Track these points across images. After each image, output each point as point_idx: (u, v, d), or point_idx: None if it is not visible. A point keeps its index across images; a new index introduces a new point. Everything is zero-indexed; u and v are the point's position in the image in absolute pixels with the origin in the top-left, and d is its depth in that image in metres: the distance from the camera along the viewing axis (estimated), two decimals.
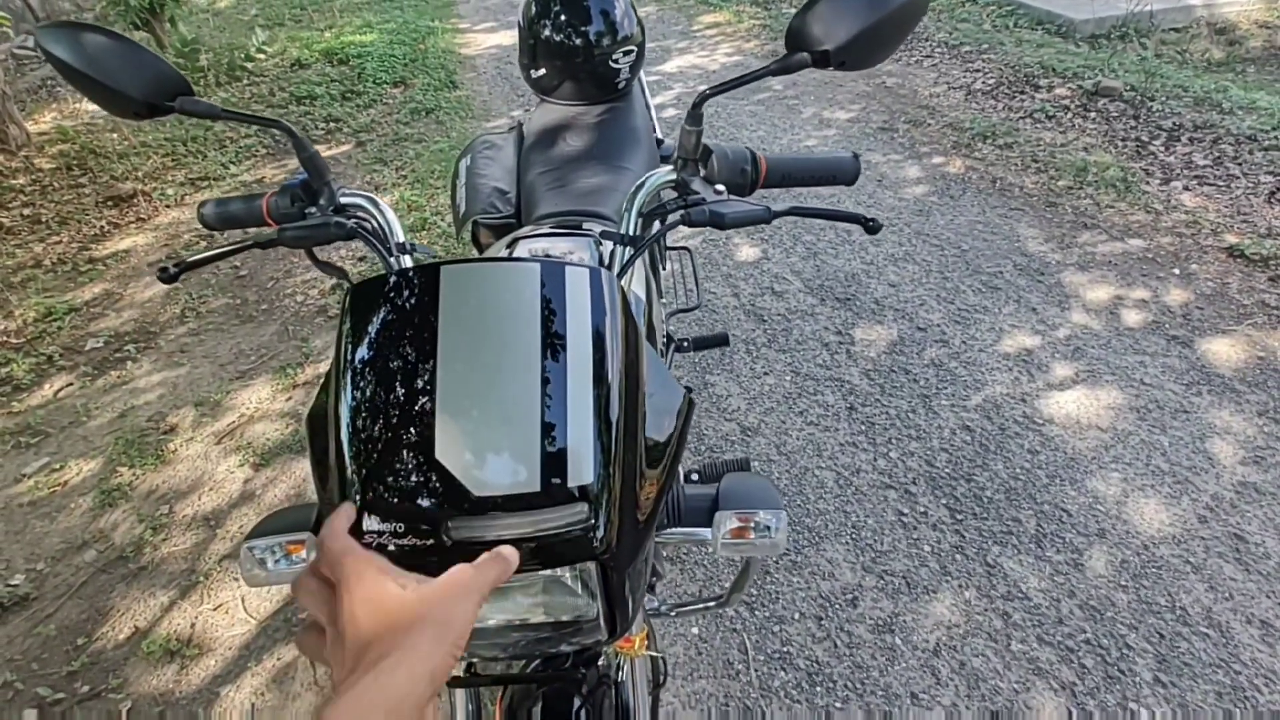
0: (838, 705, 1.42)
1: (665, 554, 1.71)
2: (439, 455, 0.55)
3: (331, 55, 5.40)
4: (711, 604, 1.13)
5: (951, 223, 2.95)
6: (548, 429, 0.56)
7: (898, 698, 1.42)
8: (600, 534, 0.57)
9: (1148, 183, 3.07)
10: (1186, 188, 3.02)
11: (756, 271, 2.76)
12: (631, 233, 0.83)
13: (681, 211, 0.77)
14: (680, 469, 1.14)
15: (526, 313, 0.60)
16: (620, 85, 1.58)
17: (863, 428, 2.05)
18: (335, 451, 0.59)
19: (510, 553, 0.47)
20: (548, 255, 1.01)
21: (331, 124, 4.42)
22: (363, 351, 0.60)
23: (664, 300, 2.06)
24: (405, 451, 0.56)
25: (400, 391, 0.58)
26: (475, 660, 0.76)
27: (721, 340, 1.84)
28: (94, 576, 1.83)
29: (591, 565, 0.58)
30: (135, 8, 5.06)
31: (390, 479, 0.56)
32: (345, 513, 0.50)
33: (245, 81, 5.10)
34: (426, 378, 0.57)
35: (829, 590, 1.64)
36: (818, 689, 1.45)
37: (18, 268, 3.20)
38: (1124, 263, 2.62)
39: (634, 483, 0.61)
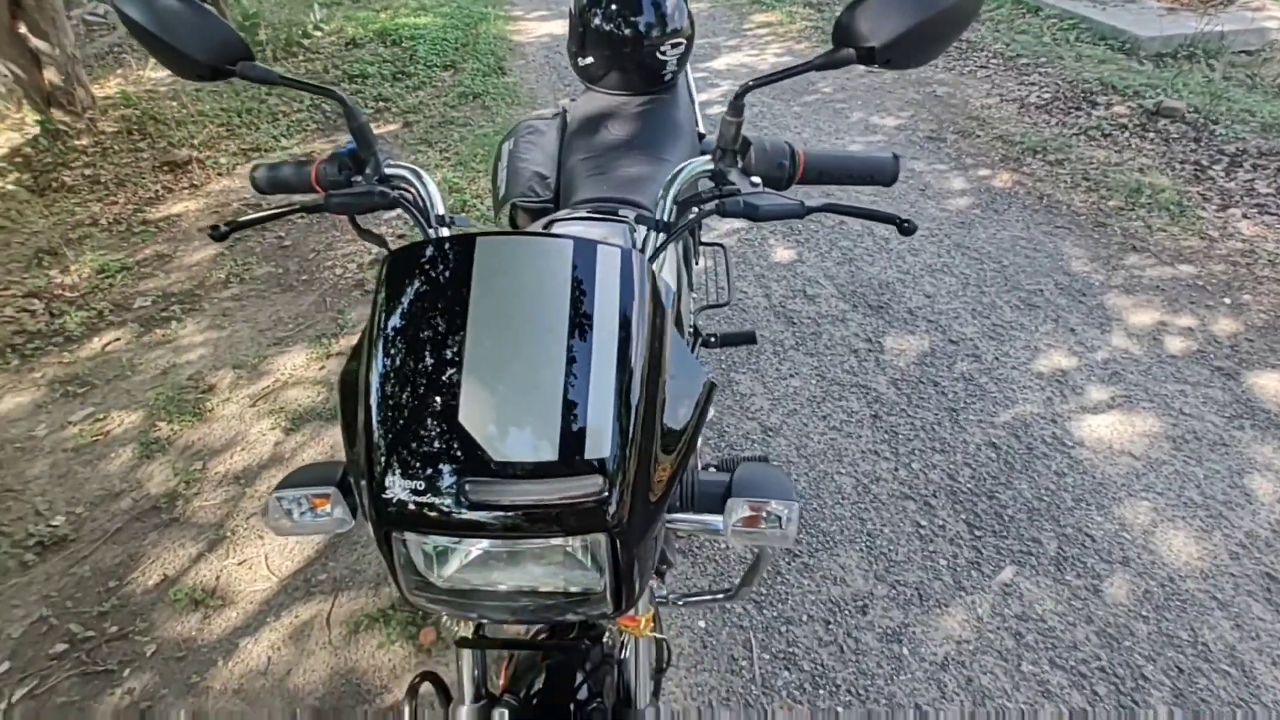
0: (839, 708, 1.42)
1: (678, 545, 1.72)
2: (462, 420, 0.57)
3: (385, 36, 5.50)
4: (720, 596, 1.14)
5: (994, 237, 2.90)
6: (569, 403, 0.58)
7: (901, 708, 1.41)
8: (613, 508, 0.58)
9: (1204, 208, 2.98)
10: (1245, 215, 2.91)
11: (790, 273, 2.74)
12: (666, 219, 0.83)
13: (716, 201, 0.78)
14: (697, 456, 1.15)
15: (557, 289, 0.61)
16: (666, 77, 1.59)
17: (886, 436, 2.03)
18: (364, 413, 0.61)
19: None
20: None
21: (381, 103, 4.50)
22: (395, 317, 0.62)
23: (695, 295, 2.06)
24: (430, 415, 0.58)
25: (429, 357, 0.60)
26: (484, 622, 0.77)
27: (748, 338, 1.84)
28: (129, 524, 1.91)
29: (602, 537, 0.60)
30: None
31: (414, 441, 0.58)
32: None
33: (301, 57, 5.22)
34: (455, 345, 0.59)
35: (839, 595, 1.63)
36: (820, 692, 1.45)
37: (76, 225, 3.33)
38: (1172, 288, 2.54)
39: (649, 463, 0.62)
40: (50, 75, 3.94)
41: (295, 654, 1.58)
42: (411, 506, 0.57)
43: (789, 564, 1.70)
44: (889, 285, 2.65)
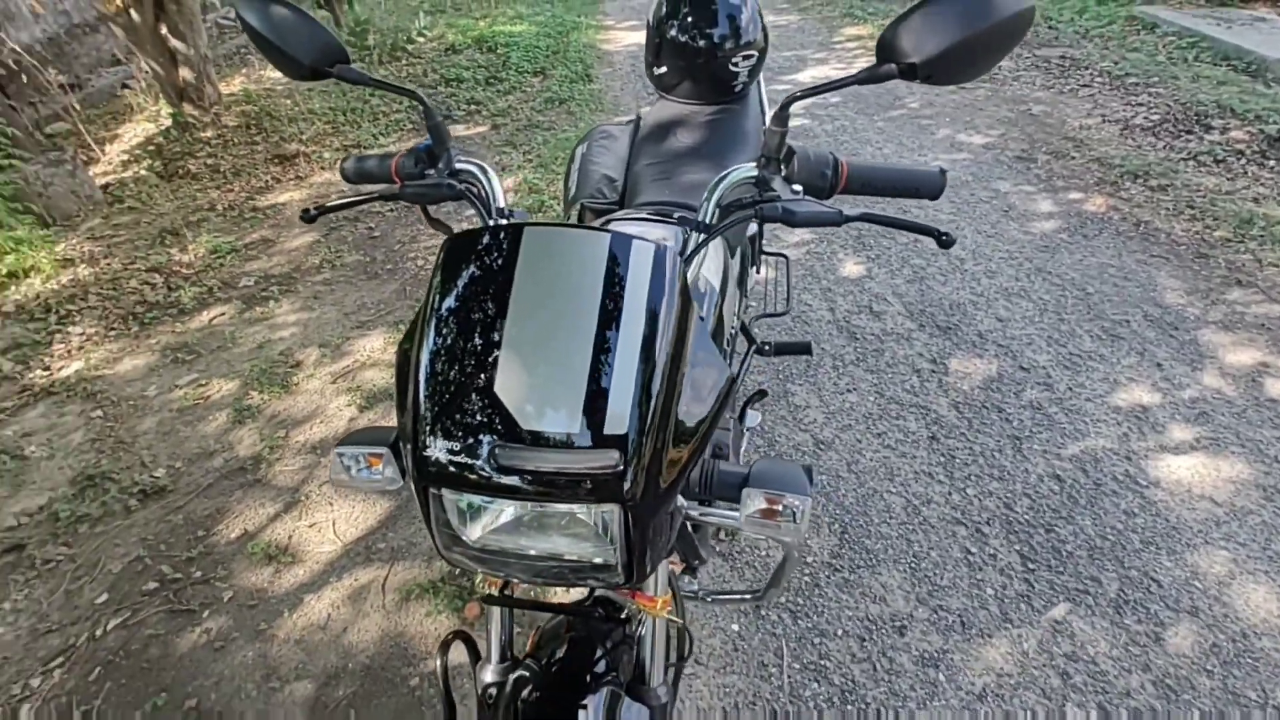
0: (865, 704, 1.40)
1: (714, 545, 1.74)
2: (497, 390, 0.63)
3: (482, 42, 5.76)
4: (748, 597, 1.16)
5: (1080, 263, 2.77)
6: (594, 383, 0.63)
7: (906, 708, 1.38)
8: (627, 483, 0.63)
9: None
10: None
11: (857, 289, 2.71)
12: (708, 221, 0.87)
13: (755, 206, 0.81)
14: (732, 451, 1.17)
15: (592, 277, 0.66)
16: (737, 88, 1.62)
17: (942, 459, 1.98)
18: (413, 381, 0.68)
19: None
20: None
21: (473, 106, 4.73)
22: (447, 297, 0.69)
23: (750, 303, 2.08)
24: (469, 385, 0.64)
25: (473, 334, 0.66)
26: (513, 582, 0.83)
27: (804, 349, 1.84)
28: (219, 480, 2.09)
29: (615, 508, 0.64)
30: None
31: (453, 408, 0.64)
32: None
33: (404, 61, 5.55)
34: (497, 324, 0.65)
35: (877, 614, 1.61)
36: (849, 707, 1.43)
37: (196, 209, 3.67)
38: (1279, 328, 2.36)
39: (664, 445, 0.66)
40: (184, 73, 4.35)
41: (352, 614, 1.70)
42: (448, 466, 0.64)
43: (828, 577, 1.69)
44: (960, 306, 2.57)
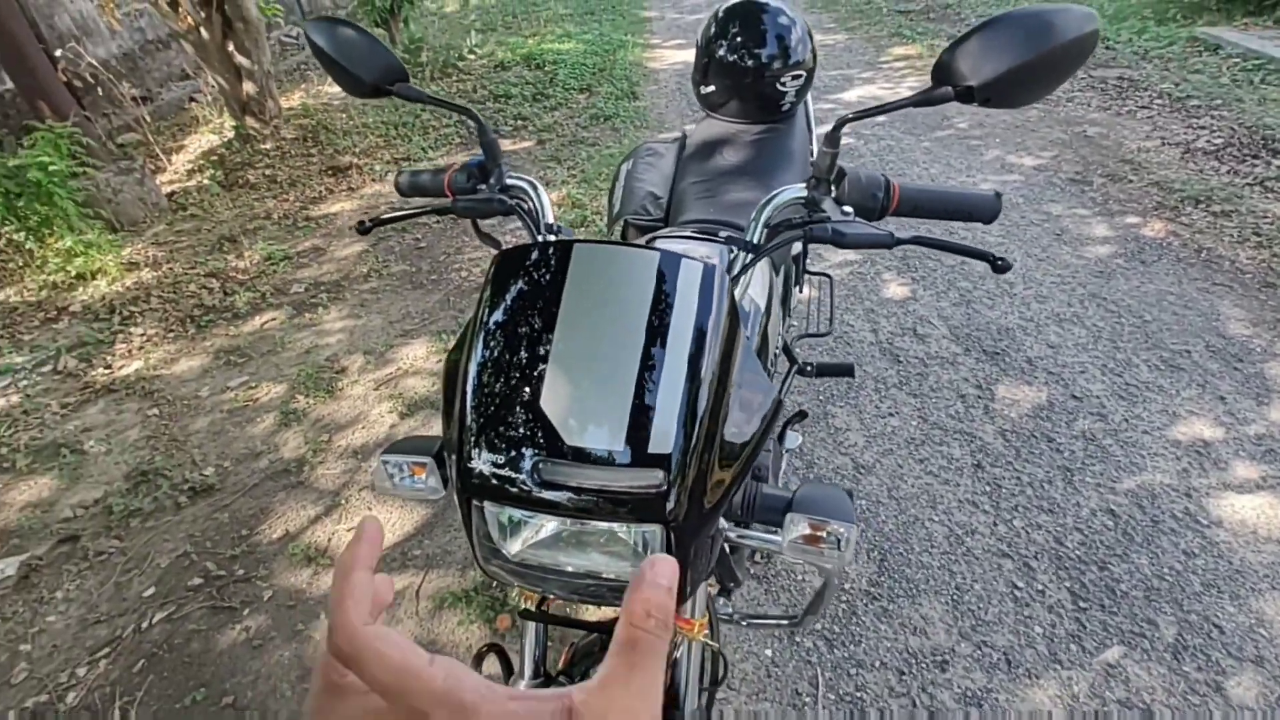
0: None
1: (752, 570, 1.71)
2: (543, 405, 0.63)
3: (531, 60, 5.88)
4: (784, 622, 1.14)
5: (1137, 289, 2.67)
6: (640, 401, 0.62)
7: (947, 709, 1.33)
8: (670, 503, 0.62)
9: None
10: None
11: (901, 310, 2.66)
12: (756, 241, 0.87)
13: (805, 226, 0.81)
14: (772, 474, 1.15)
15: (640, 296, 0.66)
16: (784, 108, 1.61)
17: (987, 489, 1.92)
18: (460, 393, 0.69)
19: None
20: None
21: (520, 122, 4.82)
22: (497, 311, 0.70)
23: (794, 322, 2.06)
24: (515, 399, 0.64)
25: (520, 348, 0.66)
26: (550, 597, 0.83)
27: (847, 370, 1.81)
28: (263, 481, 2.15)
29: (657, 529, 0.63)
30: (379, 8, 5.84)
31: (499, 421, 0.64)
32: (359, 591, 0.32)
33: (455, 77, 5.69)
34: (545, 340, 0.66)
35: (918, 647, 1.56)
36: (851, 708, 1.39)
37: (253, 217, 3.81)
38: None
39: (709, 466, 0.65)
40: (248, 87, 4.54)
41: (386, 619, 1.70)
42: (492, 479, 0.64)
43: (866, 606, 1.65)
44: (1008, 331, 2.50)
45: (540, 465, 0.62)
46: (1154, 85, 4.52)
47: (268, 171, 4.30)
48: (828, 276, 2.14)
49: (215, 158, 4.46)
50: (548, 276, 0.69)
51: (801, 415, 1.55)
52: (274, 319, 2.95)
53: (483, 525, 0.69)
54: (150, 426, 2.39)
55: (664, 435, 0.62)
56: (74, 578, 1.88)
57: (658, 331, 0.65)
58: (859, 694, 1.47)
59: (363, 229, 0.97)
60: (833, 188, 0.84)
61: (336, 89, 5.82)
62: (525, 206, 0.94)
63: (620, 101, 5.07)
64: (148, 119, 4.70)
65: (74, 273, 3.19)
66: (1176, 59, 4.92)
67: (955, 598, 1.65)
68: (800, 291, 2.01)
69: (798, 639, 1.59)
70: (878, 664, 1.53)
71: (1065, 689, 1.46)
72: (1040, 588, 1.66)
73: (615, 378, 0.63)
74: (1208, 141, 3.77)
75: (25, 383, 2.63)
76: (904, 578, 1.71)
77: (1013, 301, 2.67)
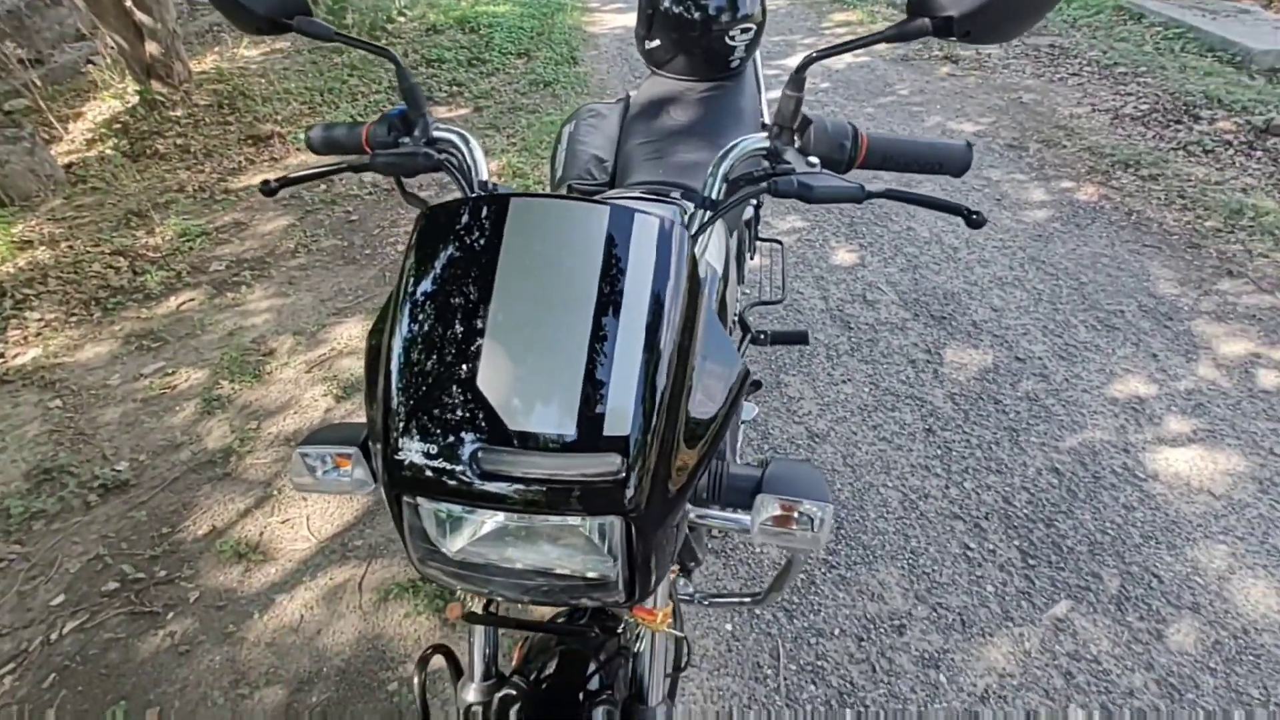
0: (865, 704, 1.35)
1: (709, 544, 1.68)
2: (480, 385, 0.55)
3: (464, 23, 5.61)
4: (747, 600, 1.09)
5: (1073, 252, 2.73)
6: (592, 377, 0.55)
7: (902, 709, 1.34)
8: (630, 491, 0.55)
9: None
10: None
11: (850, 277, 2.65)
12: (714, 196, 0.80)
13: (769, 180, 0.74)
14: (732, 450, 1.10)
15: (588, 255, 0.58)
16: (734, 64, 1.54)
17: (938, 452, 1.93)
18: (384, 373, 0.60)
19: None
20: None
21: (454, 88, 4.59)
22: (422, 278, 0.61)
23: (746, 291, 2.01)
24: (448, 379, 0.56)
25: (452, 320, 0.58)
26: (498, 599, 0.76)
27: (801, 338, 1.78)
28: (185, 474, 1.99)
29: (617, 521, 0.57)
30: None
31: (430, 404, 0.56)
32: None
33: (384, 41, 5.37)
34: (480, 309, 0.57)
35: (875, 612, 1.56)
36: (847, 711, 1.38)
37: (164, 190, 3.51)
38: (1271, 319, 2.34)
39: (672, 447, 0.59)
40: (151, 48, 4.17)
41: (327, 614, 1.62)
42: (424, 471, 0.56)
43: (824, 575, 1.64)
44: (954, 296, 2.53)
45: (480, 454, 0.54)
46: (1084, 53, 4.64)
47: (179, 140, 3.97)
48: (779, 243, 2.10)
49: (118, 126, 4.09)
50: (481, 238, 0.60)
51: (756, 385, 1.50)
52: (192, 299, 2.73)
53: (416, 522, 0.61)
54: (52, 420, 2.18)
55: (621, 415, 0.55)
56: None
57: (610, 297, 0.57)
58: (820, 663, 1.47)
59: (267, 189, 0.85)
60: (796, 137, 0.77)
61: (254, 52, 5.42)
62: (455, 161, 0.84)
63: (560, 67, 4.89)
64: (38, 83, 4.27)
65: None
66: (1104, 27, 5.06)
67: (911, 562, 1.66)
68: (752, 258, 1.96)
69: (758, 612, 1.57)
70: (837, 632, 1.53)
71: (1018, 646, 1.48)
72: (991, 548, 1.68)
73: (563, 351, 0.56)
74: (1134, 108, 3.89)
75: None
76: (860, 544, 1.70)
77: (957, 266, 2.69)
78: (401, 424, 0.56)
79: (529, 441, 0.54)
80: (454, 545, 0.62)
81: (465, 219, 0.61)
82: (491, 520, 0.60)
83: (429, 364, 0.57)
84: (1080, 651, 1.46)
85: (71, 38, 5.32)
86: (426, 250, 0.62)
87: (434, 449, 0.55)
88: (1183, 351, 2.23)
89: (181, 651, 1.55)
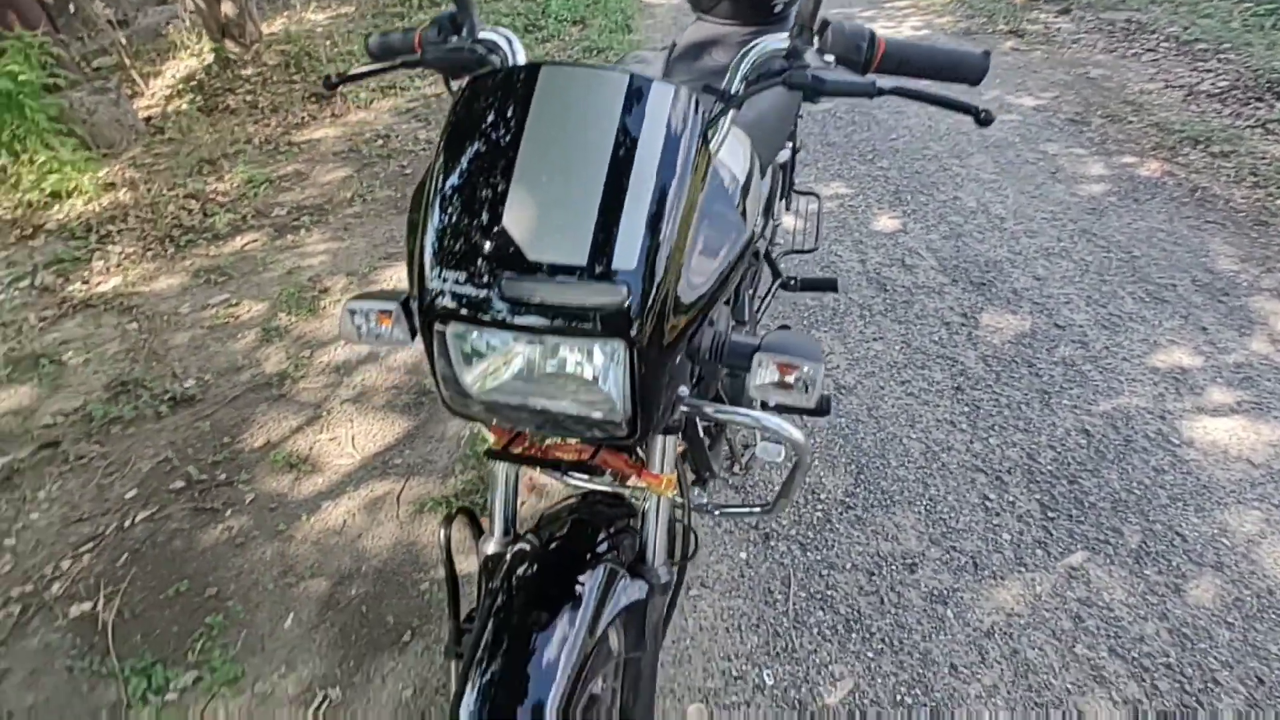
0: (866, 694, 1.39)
1: (729, 479, 1.73)
2: (505, 222, 0.62)
3: None
4: (757, 510, 1.15)
5: (1128, 226, 2.65)
6: (604, 219, 0.61)
7: (935, 664, 1.37)
8: (634, 319, 0.61)
9: None
10: None
11: (890, 242, 2.64)
12: (732, 90, 0.84)
13: (785, 73, 0.78)
14: (751, 322, 1.15)
15: (607, 118, 0.64)
16: (777, 8, 1.56)
17: (965, 410, 1.93)
18: (422, 219, 0.67)
19: None
20: None
21: None
22: (461, 139, 0.68)
23: (778, 240, 2.03)
24: (477, 219, 0.63)
25: (484, 173, 0.65)
26: (519, 433, 0.83)
27: (830, 285, 1.81)
28: (245, 394, 2.14)
29: (620, 345, 0.63)
30: None
31: (460, 240, 0.63)
32: None
33: (444, 5, 5.49)
34: (508, 161, 0.64)
35: (889, 551, 1.59)
36: (853, 635, 1.43)
37: (234, 142, 3.71)
38: None
39: (670, 295, 0.64)
40: (227, 9, 4.38)
41: (367, 521, 1.74)
42: (452, 298, 0.63)
43: (840, 515, 1.67)
44: (996, 264, 2.49)
45: (503, 281, 0.61)
46: (1162, 29, 4.43)
47: (249, 97, 4.18)
48: (815, 194, 2.12)
49: (194, 82, 4.32)
50: (514, 103, 0.67)
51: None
52: (255, 240, 2.90)
53: (445, 357, 0.69)
54: (129, 340, 2.36)
55: (628, 252, 0.61)
56: (55, 479, 1.88)
57: (625, 153, 0.63)
58: (830, 593, 1.51)
59: (329, 84, 0.94)
60: (815, 38, 0.81)
61: (320, 16, 5.62)
62: (500, 59, 0.91)
63: (614, 35, 4.92)
64: (124, 42, 4.54)
65: (49, 190, 3.12)
66: (1187, 3, 4.80)
67: (928, 508, 1.68)
68: (787, 208, 1.99)
69: (771, 543, 1.62)
70: (849, 566, 1.56)
71: (1028, 589, 1.49)
72: (1011, 499, 1.69)
73: (580, 196, 0.62)
74: (1212, 85, 3.71)
75: (2, 297, 2.59)
76: (879, 489, 1.73)
77: (1002, 235, 2.65)
78: (435, 259, 0.64)
79: (547, 271, 0.61)
80: (477, 384, 0.69)
81: (501, 86, 0.68)
82: (513, 359, 0.67)
83: (461, 210, 0.64)
84: (1092, 599, 1.47)
85: (154, 1, 5.61)
86: (465, 116, 0.69)
87: (463, 277, 0.62)
88: (1236, 326, 2.16)
89: (238, 544, 1.69)
